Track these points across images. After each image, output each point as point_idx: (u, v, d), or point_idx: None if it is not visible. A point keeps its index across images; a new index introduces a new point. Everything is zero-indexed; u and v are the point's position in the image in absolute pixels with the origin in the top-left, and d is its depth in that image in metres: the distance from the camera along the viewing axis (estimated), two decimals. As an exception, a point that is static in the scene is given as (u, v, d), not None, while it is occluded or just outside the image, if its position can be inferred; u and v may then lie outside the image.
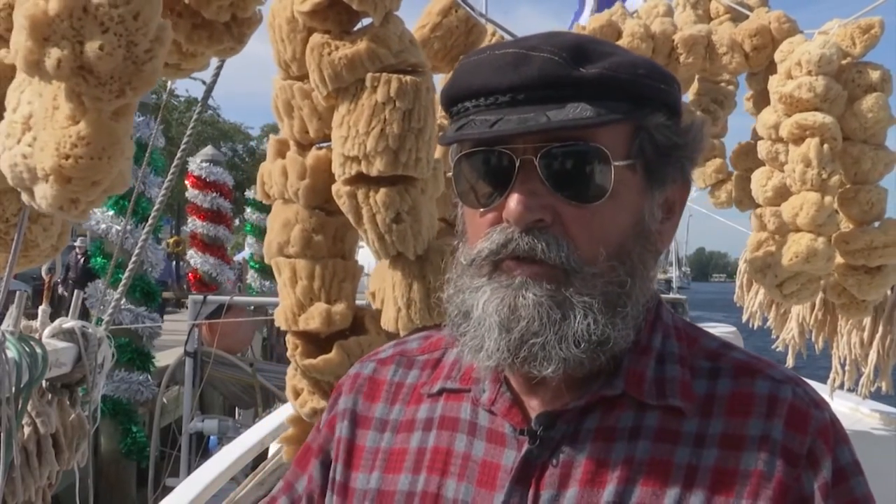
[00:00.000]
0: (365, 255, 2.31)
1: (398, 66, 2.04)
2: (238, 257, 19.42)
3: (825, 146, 2.82)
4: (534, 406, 0.91)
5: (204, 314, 9.37)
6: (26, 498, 1.89)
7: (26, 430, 1.91)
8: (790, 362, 3.75)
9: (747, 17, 3.41)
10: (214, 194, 13.85)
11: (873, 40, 2.97)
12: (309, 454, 1.06)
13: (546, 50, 0.86)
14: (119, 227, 9.44)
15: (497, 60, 0.87)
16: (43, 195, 1.31)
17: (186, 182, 13.78)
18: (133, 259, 2.81)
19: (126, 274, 2.76)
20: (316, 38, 2.06)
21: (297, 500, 1.05)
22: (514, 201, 0.85)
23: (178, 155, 2.81)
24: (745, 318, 3.99)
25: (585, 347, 0.84)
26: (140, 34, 1.22)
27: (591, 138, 0.86)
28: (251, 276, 16.70)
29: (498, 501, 0.87)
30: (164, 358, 10.56)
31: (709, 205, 4.20)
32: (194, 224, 14.00)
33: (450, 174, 0.95)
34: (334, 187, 2.07)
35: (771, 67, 3.20)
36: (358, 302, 2.30)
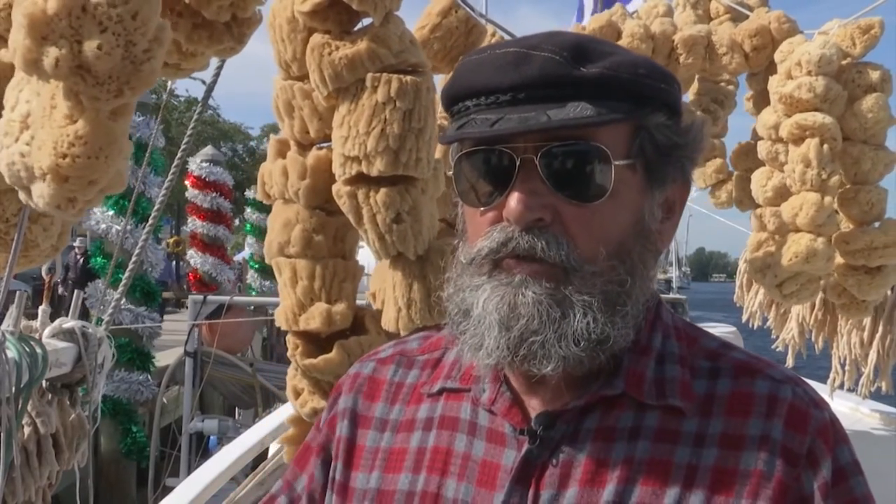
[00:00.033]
0: (365, 255, 2.31)
1: (398, 66, 2.04)
2: (238, 257, 19.42)
3: (825, 146, 2.82)
4: (534, 406, 0.91)
5: (204, 314, 9.37)
6: (26, 498, 1.89)
7: (26, 430, 1.91)
8: (790, 362, 3.75)
9: (747, 17, 3.41)
10: (214, 194, 13.85)
11: (873, 40, 2.97)
12: (308, 453, 1.06)
13: (547, 49, 0.86)
14: (119, 227, 9.45)
15: (498, 59, 0.87)
16: (40, 194, 1.31)
17: (186, 182, 13.78)
18: (133, 259, 2.81)
19: (126, 274, 2.76)
20: (316, 38, 2.06)
21: (297, 499, 1.04)
22: (514, 200, 0.85)
23: (179, 155, 2.81)
24: (744, 318, 3.99)
25: (585, 346, 0.84)
26: (138, 34, 1.22)
27: (592, 137, 0.86)
28: (251, 276, 16.70)
29: (498, 501, 0.87)
30: (164, 358, 10.56)
31: (709, 205, 4.20)
32: (194, 224, 14.00)
33: (450, 173, 0.95)
34: (335, 187, 2.07)
35: (771, 68, 3.20)
36: (358, 302, 2.30)
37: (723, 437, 0.86)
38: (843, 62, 2.96)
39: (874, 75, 2.93)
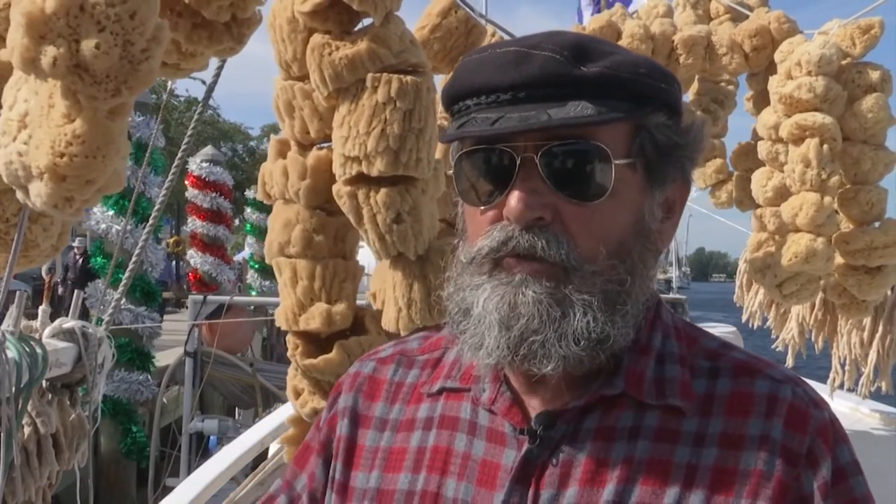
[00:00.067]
0: (366, 255, 2.31)
1: (399, 67, 2.04)
2: (238, 257, 19.41)
3: (825, 146, 2.82)
4: (534, 405, 0.91)
5: (204, 314, 9.36)
6: (26, 498, 1.89)
7: (26, 430, 1.91)
8: (790, 362, 3.75)
9: (747, 17, 3.41)
10: (214, 194, 13.85)
11: (873, 40, 2.97)
12: (308, 453, 1.06)
13: (547, 48, 0.86)
14: (119, 227, 9.45)
15: (498, 59, 0.87)
16: (37, 193, 1.31)
17: (186, 182, 13.77)
18: (133, 259, 2.81)
19: (126, 274, 2.76)
20: (316, 38, 2.06)
21: (296, 498, 1.04)
22: (514, 199, 0.85)
23: (179, 155, 2.81)
24: (744, 318, 3.99)
25: (585, 345, 0.84)
26: (136, 33, 1.22)
27: (592, 136, 0.86)
28: (251, 276, 16.70)
29: (498, 501, 0.87)
30: (164, 358, 10.56)
31: (709, 205, 4.20)
32: (194, 224, 13.99)
33: (450, 172, 0.95)
34: (335, 187, 2.07)
35: (771, 68, 3.20)
36: (358, 302, 2.30)
37: (722, 437, 0.86)
38: (843, 62, 2.96)
39: (874, 75, 2.93)
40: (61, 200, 1.30)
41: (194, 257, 13.95)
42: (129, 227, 8.62)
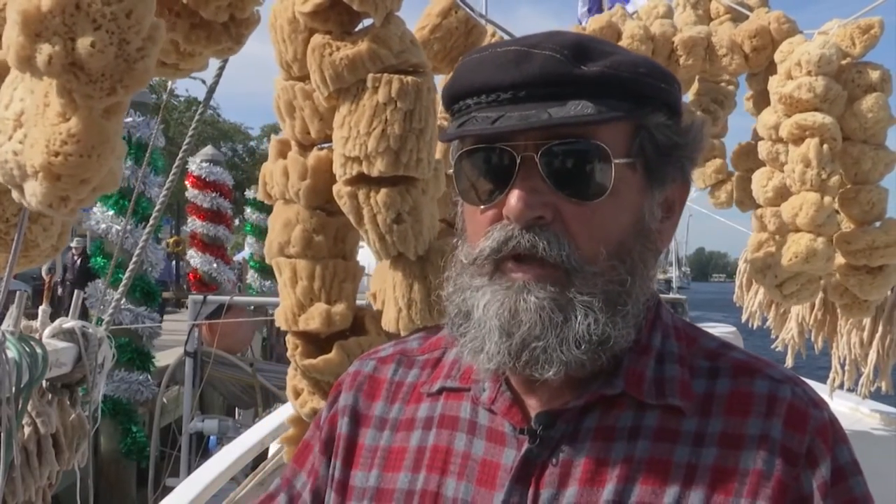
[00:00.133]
0: (366, 256, 2.31)
1: (399, 67, 2.04)
2: (238, 257, 19.41)
3: (825, 146, 2.82)
4: (533, 405, 0.92)
5: (204, 314, 9.36)
6: (26, 498, 1.89)
7: (26, 430, 1.91)
8: (789, 362, 3.75)
9: (747, 17, 3.41)
10: (214, 194, 13.85)
11: (873, 40, 2.97)
12: (308, 451, 1.06)
13: (548, 48, 0.86)
14: (119, 227, 9.45)
15: (499, 58, 0.87)
16: (32, 192, 1.31)
17: (186, 182, 13.77)
18: (133, 259, 2.81)
19: (127, 274, 2.76)
20: (317, 38, 2.06)
21: (296, 496, 1.04)
22: (514, 198, 0.85)
23: (180, 155, 2.80)
24: (744, 318, 3.99)
25: (586, 348, 0.84)
26: (132, 32, 1.22)
27: (592, 136, 0.86)
28: (251, 276, 16.70)
29: (498, 500, 0.87)
30: (164, 358, 10.56)
31: (709, 205, 4.20)
32: (194, 224, 14.00)
33: (450, 172, 0.95)
34: (335, 188, 2.07)
35: (771, 68, 3.20)
36: (358, 302, 2.30)
37: (722, 437, 0.86)
38: (843, 62, 2.96)
39: (874, 75, 2.93)
40: (56, 200, 1.30)
41: (194, 257, 13.95)
42: (129, 227, 8.62)
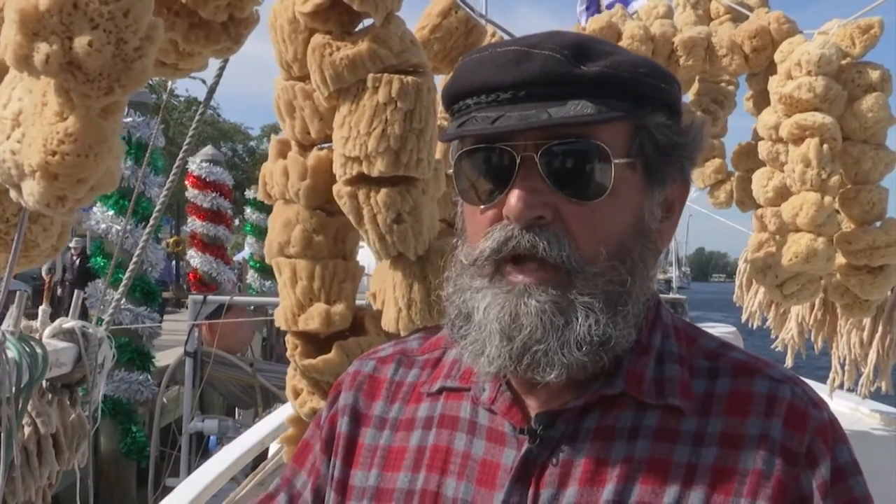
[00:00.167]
0: (366, 256, 2.31)
1: (399, 67, 2.04)
2: (238, 257, 19.41)
3: (825, 146, 2.82)
4: (533, 405, 0.92)
5: (204, 314, 9.36)
6: (26, 498, 1.89)
7: (26, 430, 1.91)
8: (789, 362, 3.75)
9: (747, 17, 3.41)
10: (214, 194, 13.85)
11: (873, 40, 2.97)
12: (308, 450, 1.06)
13: (548, 48, 0.86)
14: (119, 227, 9.45)
15: (499, 58, 0.87)
16: (30, 192, 1.31)
17: (186, 182, 13.77)
18: (134, 259, 2.81)
19: (127, 274, 2.76)
20: (317, 38, 2.06)
21: (296, 496, 1.04)
22: (514, 198, 0.85)
23: (180, 156, 2.80)
24: (744, 317, 3.99)
25: (587, 350, 0.84)
26: (130, 31, 1.22)
27: (592, 136, 0.86)
28: (251, 276, 16.70)
29: (498, 500, 0.87)
30: (164, 358, 10.56)
31: (709, 205, 4.20)
32: (194, 224, 13.99)
33: (450, 172, 0.95)
34: (335, 188, 2.07)
35: (771, 68, 3.20)
36: (358, 302, 2.30)
37: (722, 437, 0.86)
38: (843, 62, 2.96)
39: (874, 75, 2.93)
40: (53, 199, 1.30)
41: (194, 257, 13.95)
42: (129, 227, 8.62)
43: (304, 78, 2.16)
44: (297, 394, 2.24)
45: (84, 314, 3.35)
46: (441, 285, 0.94)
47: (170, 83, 4.98)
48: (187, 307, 10.15)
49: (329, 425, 1.04)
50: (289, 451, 2.36)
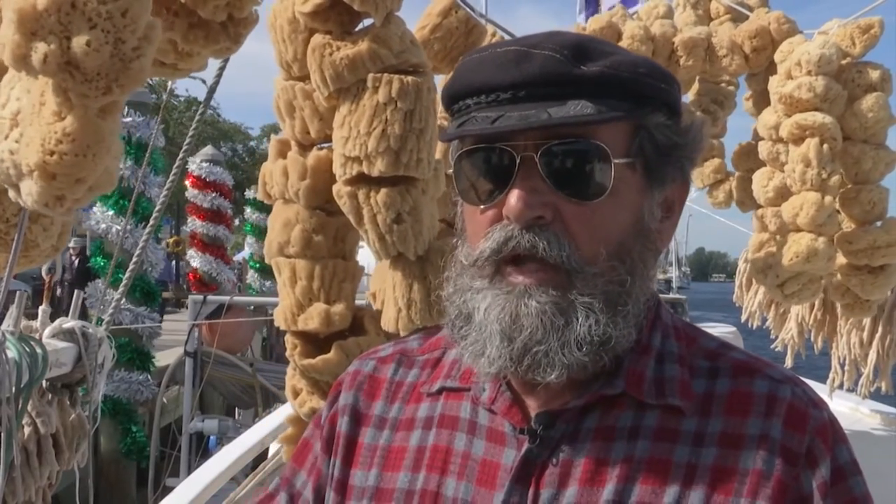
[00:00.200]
0: (365, 256, 2.31)
1: (399, 67, 2.04)
2: (238, 257, 19.41)
3: (825, 146, 2.82)
4: (533, 405, 0.92)
5: (204, 314, 9.36)
6: (26, 498, 1.89)
7: (26, 430, 1.91)
8: (789, 362, 3.75)
9: (747, 17, 3.41)
10: (214, 194, 13.84)
11: (873, 40, 2.97)
12: (308, 450, 1.06)
13: (548, 48, 0.86)
14: (119, 227, 9.45)
15: (499, 58, 0.87)
16: (28, 191, 1.31)
17: (186, 182, 13.77)
18: (134, 259, 2.81)
19: (127, 274, 2.76)
20: (317, 38, 2.06)
21: (296, 495, 1.04)
22: (514, 198, 0.85)
23: (181, 156, 2.80)
24: (744, 317, 3.99)
25: (588, 350, 0.84)
26: (128, 31, 1.22)
27: (592, 136, 0.86)
28: (251, 276, 16.69)
29: (498, 500, 0.87)
30: (164, 358, 10.56)
31: (709, 205, 4.20)
32: (194, 224, 13.99)
33: (450, 172, 0.95)
34: (335, 188, 2.07)
35: (771, 68, 3.20)
36: (358, 302, 2.30)
37: (722, 437, 0.86)
38: (843, 62, 2.96)
39: (874, 75, 2.93)
40: (52, 199, 1.30)
41: (194, 257, 13.94)
42: (129, 227, 8.62)
43: (304, 78, 2.16)
44: (296, 394, 2.24)
45: (84, 314, 3.35)
46: (441, 285, 0.94)
47: (169, 83, 4.98)
48: (187, 307, 10.15)
49: (329, 425, 1.04)
50: (288, 451, 2.36)
